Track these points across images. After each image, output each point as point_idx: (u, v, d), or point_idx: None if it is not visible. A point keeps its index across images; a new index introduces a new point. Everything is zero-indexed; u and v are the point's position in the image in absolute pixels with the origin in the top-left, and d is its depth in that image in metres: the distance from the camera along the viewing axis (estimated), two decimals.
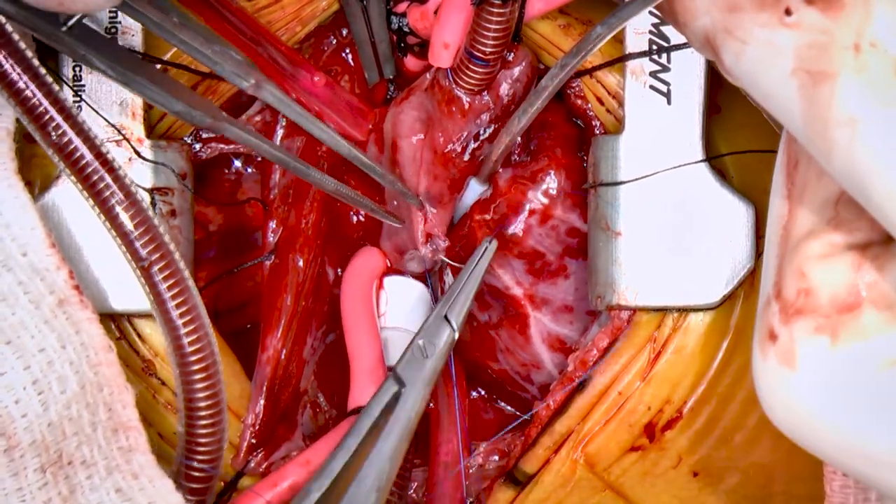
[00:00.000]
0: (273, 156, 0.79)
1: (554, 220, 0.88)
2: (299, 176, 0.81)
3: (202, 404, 0.72)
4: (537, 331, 0.90)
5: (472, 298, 0.82)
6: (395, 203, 0.92)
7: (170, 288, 0.72)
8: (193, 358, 0.72)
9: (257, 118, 0.92)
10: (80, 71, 0.82)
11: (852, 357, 0.55)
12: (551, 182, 0.88)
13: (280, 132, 0.92)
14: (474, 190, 0.90)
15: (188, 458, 0.73)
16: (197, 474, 0.74)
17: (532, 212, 0.88)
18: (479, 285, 0.82)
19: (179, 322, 0.72)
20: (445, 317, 0.80)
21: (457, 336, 0.80)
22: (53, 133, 0.70)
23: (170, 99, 0.75)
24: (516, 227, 0.88)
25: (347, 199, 0.83)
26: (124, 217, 0.71)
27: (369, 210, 0.85)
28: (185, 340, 0.72)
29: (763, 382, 0.59)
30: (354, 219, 0.95)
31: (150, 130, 0.85)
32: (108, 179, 0.71)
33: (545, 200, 0.88)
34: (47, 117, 0.70)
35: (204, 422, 0.73)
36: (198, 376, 0.72)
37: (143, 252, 0.71)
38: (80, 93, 0.82)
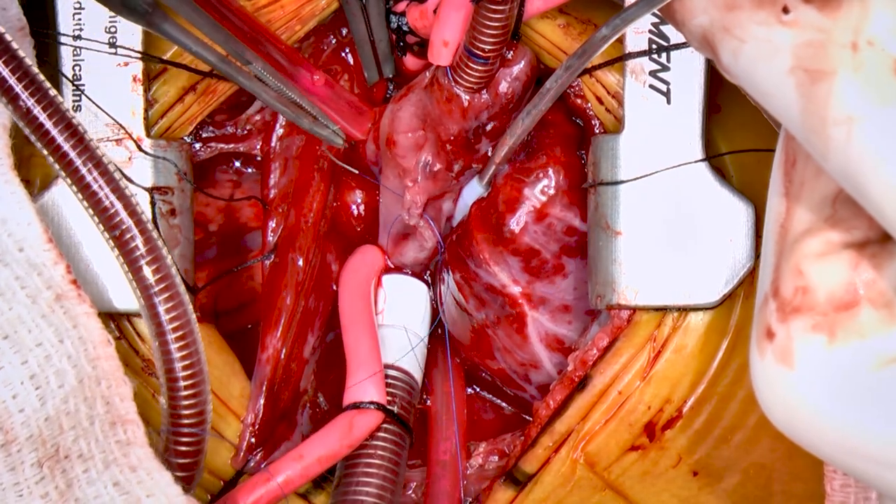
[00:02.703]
0: (205, 58, 0.77)
1: (550, 218, 0.88)
2: (231, 79, 0.77)
3: (182, 374, 0.71)
4: (535, 330, 0.90)
5: None
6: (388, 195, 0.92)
7: (146, 253, 0.71)
8: (172, 326, 0.71)
9: (257, 117, 0.92)
10: (80, 70, 0.83)
11: (850, 355, 0.55)
12: (548, 180, 0.88)
13: (280, 131, 0.92)
14: (474, 190, 0.90)
15: (173, 429, 0.73)
16: (184, 448, 0.73)
17: (528, 209, 0.88)
18: None
19: (155, 285, 0.71)
20: None
21: None
22: (42, 127, 0.70)
23: None
24: (512, 224, 0.88)
25: (285, 113, 0.81)
26: (94, 183, 0.71)
27: (308, 128, 0.82)
28: (161, 310, 0.71)
29: (760, 381, 0.59)
30: (355, 212, 0.95)
31: (149, 130, 0.85)
32: (90, 165, 0.71)
33: (542, 198, 0.88)
34: (35, 111, 0.70)
35: (186, 392, 0.72)
36: (173, 335, 0.71)
37: (115, 221, 0.71)
38: (80, 91, 0.82)
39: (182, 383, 0.72)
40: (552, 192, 0.88)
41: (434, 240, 0.92)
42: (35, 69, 0.71)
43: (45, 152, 0.71)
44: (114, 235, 0.71)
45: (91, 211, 0.72)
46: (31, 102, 0.70)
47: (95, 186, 0.71)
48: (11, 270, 0.71)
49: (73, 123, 0.71)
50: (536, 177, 0.88)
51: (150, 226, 0.72)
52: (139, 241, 0.71)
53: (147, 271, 0.71)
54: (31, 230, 0.72)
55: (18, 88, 0.70)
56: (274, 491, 0.80)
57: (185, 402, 0.73)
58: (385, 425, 0.85)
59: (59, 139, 0.71)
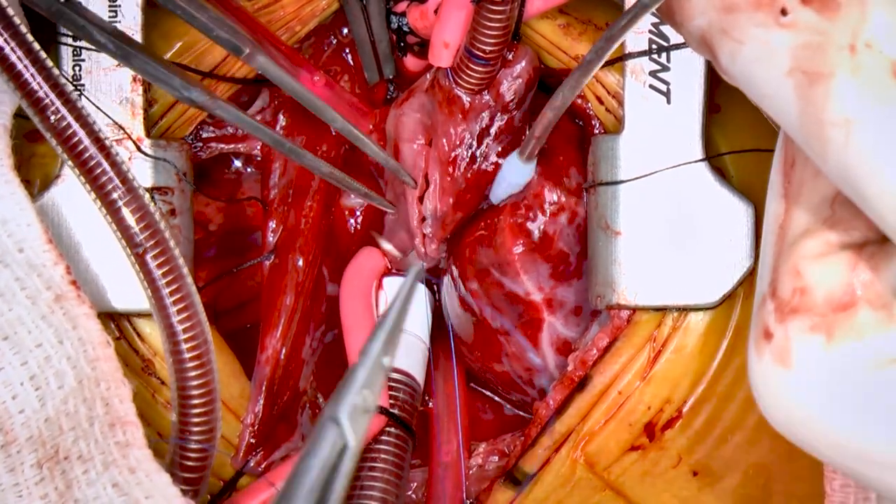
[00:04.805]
0: (270, 138, 0.79)
1: (578, 219, 0.88)
2: (293, 159, 0.80)
3: (193, 383, 0.72)
4: (548, 335, 0.90)
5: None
6: (392, 193, 0.92)
7: (164, 275, 0.72)
8: (187, 346, 0.72)
9: (257, 118, 0.92)
10: (80, 70, 0.82)
11: (847, 356, 0.55)
12: (575, 179, 0.88)
13: (279, 131, 0.92)
14: (516, 167, 0.87)
15: (181, 438, 0.73)
16: (191, 463, 0.74)
17: (559, 211, 0.88)
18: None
19: (173, 310, 0.72)
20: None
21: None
22: (52, 116, 0.70)
23: (169, 75, 0.75)
24: (547, 228, 0.88)
25: (341, 183, 0.82)
26: (119, 200, 0.72)
27: (362, 195, 0.84)
28: (179, 328, 0.72)
29: (758, 381, 0.59)
30: (352, 226, 0.95)
31: (150, 130, 0.85)
32: (106, 165, 0.71)
33: (573, 198, 0.88)
34: (47, 101, 0.70)
35: (196, 401, 0.72)
36: (189, 357, 0.72)
37: (140, 238, 0.71)
38: (79, 91, 0.82)
39: (194, 401, 0.73)
40: (579, 190, 0.88)
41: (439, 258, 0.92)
42: (44, 54, 0.71)
43: (56, 145, 0.71)
44: (136, 252, 0.72)
45: (104, 210, 0.72)
46: (44, 91, 0.71)
47: (100, 171, 0.71)
48: (11, 271, 0.71)
49: (82, 113, 0.72)
50: (567, 175, 0.88)
51: (162, 225, 0.72)
52: (154, 254, 0.72)
53: (161, 281, 0.72)
54: (32, 231, 0.72)
55: (27, 74, 0.70)
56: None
57: (196, 420, 0.73)
58: (388, 428, 0.84)
59: (70, 124, 0.71)
